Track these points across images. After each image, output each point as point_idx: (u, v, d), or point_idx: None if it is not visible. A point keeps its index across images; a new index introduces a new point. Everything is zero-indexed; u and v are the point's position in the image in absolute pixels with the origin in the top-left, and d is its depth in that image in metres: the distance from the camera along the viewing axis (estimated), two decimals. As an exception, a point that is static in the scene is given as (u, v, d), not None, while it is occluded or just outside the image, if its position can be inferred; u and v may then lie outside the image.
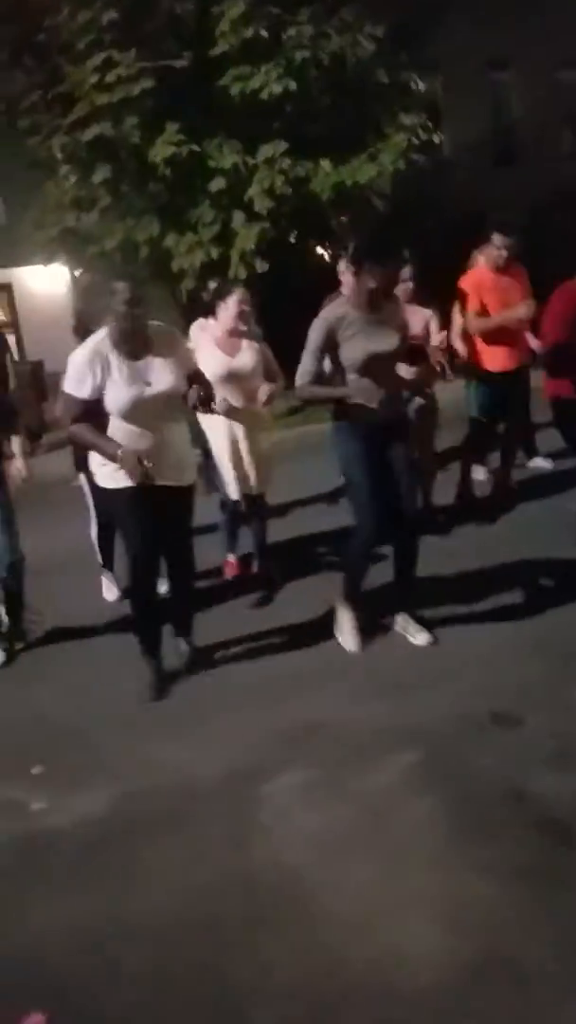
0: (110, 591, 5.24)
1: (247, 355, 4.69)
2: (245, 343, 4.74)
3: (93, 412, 3.70)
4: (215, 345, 4.69)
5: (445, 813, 2.93)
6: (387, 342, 3.87)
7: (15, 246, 12.22)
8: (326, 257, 8.43)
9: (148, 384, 3.68)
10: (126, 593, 4.12)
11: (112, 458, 3.65)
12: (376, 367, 3.84)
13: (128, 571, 4.02)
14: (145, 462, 3.59)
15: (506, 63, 17.28)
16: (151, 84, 9.55)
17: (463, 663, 3.88)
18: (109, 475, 3.80)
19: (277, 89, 9.63)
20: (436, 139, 10.34)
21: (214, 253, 10.23)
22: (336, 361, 3.89)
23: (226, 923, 2.59)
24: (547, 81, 17.90)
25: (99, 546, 5.26)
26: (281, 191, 9.71)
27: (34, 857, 3.02)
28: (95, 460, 3.92)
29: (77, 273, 12.60)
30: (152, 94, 9.65)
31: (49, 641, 4.78)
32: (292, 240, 10.51)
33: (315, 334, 3.87)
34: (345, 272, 5.42)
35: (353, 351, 3.83)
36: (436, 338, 5.26)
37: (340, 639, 4.21)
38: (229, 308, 4.70)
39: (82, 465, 4.94)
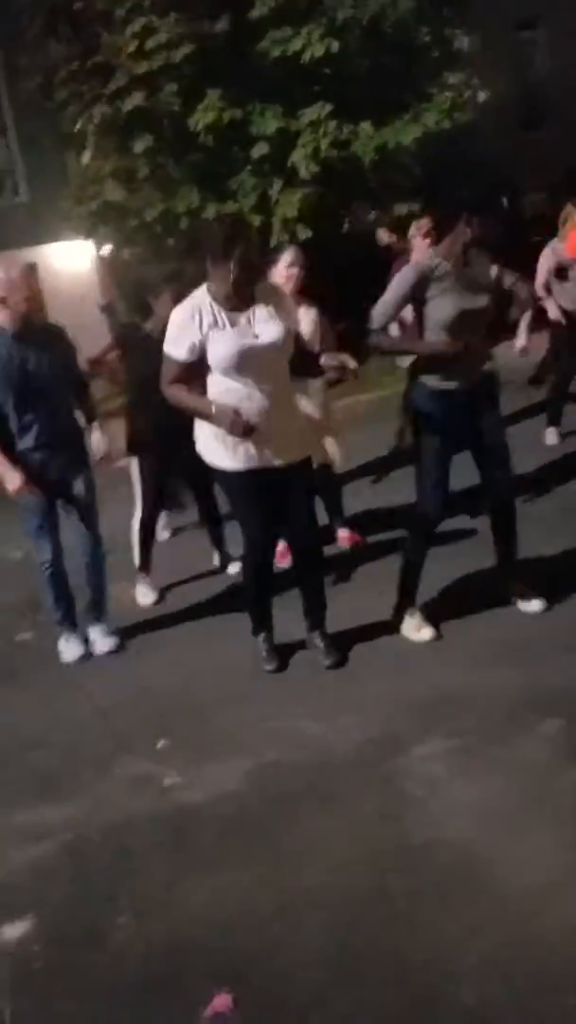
0: (146, 596, 4.86)
1: (304, 322, 4.48)
2: (302, 309, 4.55)
3: (191, 377, 3.52)
4: None
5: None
6: (479, 300, 3.68)
7: (38, 224, 12.08)
8: (384, 236, 8.13)
9: (256, 336, 3.45)
10: (245, 572, 3.90)
11: (207, 417, 3.47)
12: (466, 326, 3.63)
13: (243, 554, 3.86)
14: (246, 419, 3.40)
15: (535, 23, 16.93)
16: (190, 50, 9.34)
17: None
18: (219, 453, 3.59)
19: (319, 51, 9.39)
20: (481, 96, 10.08)
21: (256, 221, 10.05)
22: (420, 315, 3.70)
23: (396, 900, 2.49)
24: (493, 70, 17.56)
25: (139, 541, 4.91)
26: (327, 154, 9.50)
27: (178, 834, 2.93)
28: (203, 436, 3.66)
29: (103, 251, 12.46)
30: (191, 60, 9.44)
31: (134, 620, 4.68)
32: (338, 208, 10.28)
33: (404, 281, 3.65)
34: (417, 235, 5.26)
35: (444, 308, 3.62)
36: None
37: (405, 633, 3.97)
38: (279, 271, 4.52)
39: (135, 448, 4.81)
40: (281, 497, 3.66)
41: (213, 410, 3.44)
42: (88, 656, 4.33)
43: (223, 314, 3.46)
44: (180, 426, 3.79)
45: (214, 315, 3.46)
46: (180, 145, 9.99)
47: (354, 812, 2.88)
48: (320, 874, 2.64)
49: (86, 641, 4.38)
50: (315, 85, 9.82)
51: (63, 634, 4.40)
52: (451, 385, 3.70)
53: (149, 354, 4.29)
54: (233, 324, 3.46)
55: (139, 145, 9.74)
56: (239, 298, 3.46)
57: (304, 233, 9.98)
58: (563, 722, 3.15)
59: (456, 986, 2.18)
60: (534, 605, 3.98)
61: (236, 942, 2.44)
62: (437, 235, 4.77)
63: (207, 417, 3.49)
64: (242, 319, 3.48)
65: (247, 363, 3.46)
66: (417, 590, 4.00)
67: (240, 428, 3.40)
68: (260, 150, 9.75)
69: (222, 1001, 2.24)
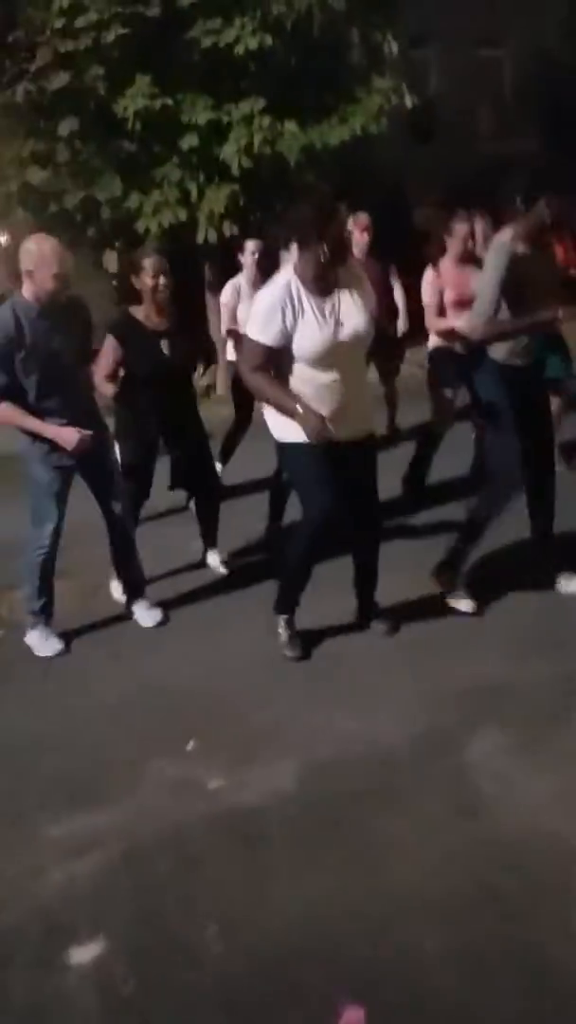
0: (118, 589, 4.55)
1: None
2: None
3: (272, 361, 3.45)
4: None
5: None
6: (552, 278, 3.73)
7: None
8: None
9: (340, 324, 3.40)
10: (299, 547, 3.70)
11: (291, 414, 3.39)
12: (538, 305, 3.63)
13: (301, 531, 3.68)
14: (327, 423, 3.37)
15: (426, 40, 17.41)
16: (121, 32, 9.02)
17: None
18: (284, 427, 3.51)
19: (252, 44, 9.25)
20: (409, 103, 10.18)
21: (182, 215, 9.81)
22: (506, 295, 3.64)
23: (510, 898, 2.39)
24: (467, 59, 18.12)
25: None
26: (260, 151, 9.36)
27: (243, 838, 2.74)
28: (268, 410, 3.60)
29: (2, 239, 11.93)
30: (121, 43, 9.11)
31: (119, 614, 4.42)
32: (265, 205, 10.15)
33: (499, 262, 3.60)
34: (354, 231, 5.24)
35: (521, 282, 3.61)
36: None
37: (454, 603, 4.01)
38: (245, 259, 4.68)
39: (120, 437, 4.55)
40: (348, 472, 3.59)
41: (299, 409, 3.37)
42: (66, 651, 4.06)
43: (311, 300, 3.39)
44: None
45: (302, 301, 3.38)
46: (104, 131, 9.63)
47: (425, 810, 2.77)
48: (417, 874, 2.51)
49: (62, 636, 4.13)
50: (245, 79, 9.67)
51: (38, 627, 4.10)
52: (523, 361, 3.75)
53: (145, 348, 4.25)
54: (319, 312, 3.39)
55: (64, 127, 9.32)
56: (327, 282, 3.40)
57: (231, 230, 9.82)
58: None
59: (601, 983, 2.11)
60: (574, 586, 3.98)
61: (351, 950, 2.28)
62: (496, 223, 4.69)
63: (290, 414, 3.40)
64: (327, 306, 3.41)
65: (332, 354, 3.41)
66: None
67: (321, 436, 3.37)
68: (190, 141, 9.51)
69: (355, 1015, 2.08)
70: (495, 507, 3.91)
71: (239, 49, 9.30)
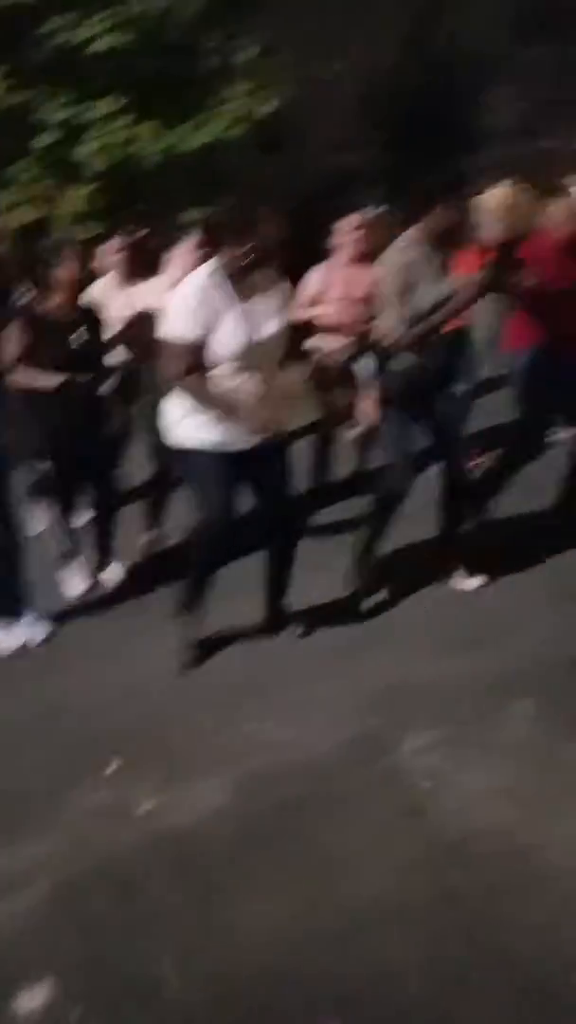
0: (82, 582, 4.46)
1: None
2: None
3: (199, 361, 3.37)
4: None
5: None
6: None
7: None
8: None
9: (259, 325, 3.39)
10: (201, 551, 3.64)
11: (236, 412, 3.37)
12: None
13: (199, 535, 3.60)
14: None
15: (271, 51, 17.61)
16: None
17: (522, 613, 3.85)
18: (195, 431, 3.45)
19: (108, 44, 9.05)
20: (268, 108, 10.20)
21: (35, 215, 9.46)
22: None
23: (468, 898, 2.37)
24: (308, 72, 18.47)
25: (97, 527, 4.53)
26: (120, 151, 9.15)
27: (183, 861, 2.61)
28: (173, 411, 3.52)
29: None
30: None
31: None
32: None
33: (398, 265, 3.67)
34: (348, 232, 5.15)
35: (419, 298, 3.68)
36: None
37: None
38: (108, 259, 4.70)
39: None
40: (258, 474, 3.56)
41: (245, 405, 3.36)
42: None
43: (232, 299, 3.35)
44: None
45: (222, 299, 3.33)
46: (-48, 125, 9.17)
47: (369, 814, 2.73)
48: (371, 883, 2.47)
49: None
50: (101, 78, 9.44)
51: None
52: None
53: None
54: (240, 311, 3.35)
55: None
56: (248, 283, 3.37)
57: (90, 231, 9.55)
58: (533, 700, 3.20)
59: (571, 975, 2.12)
60: (473, 583, 4.05)
61: (317, 968, 2.21)
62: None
63: (235, 412, 3.38)
64: (247, 306, 3.38)
65: (251, 354, 3.37)
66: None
67: (267, 428, 3.44)
68: (45, 139, 9.19)
69: (336, 1034, 2.01)
70: (390, 502, 3.94)
71: (98, 47, 9.08)
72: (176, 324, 3.37)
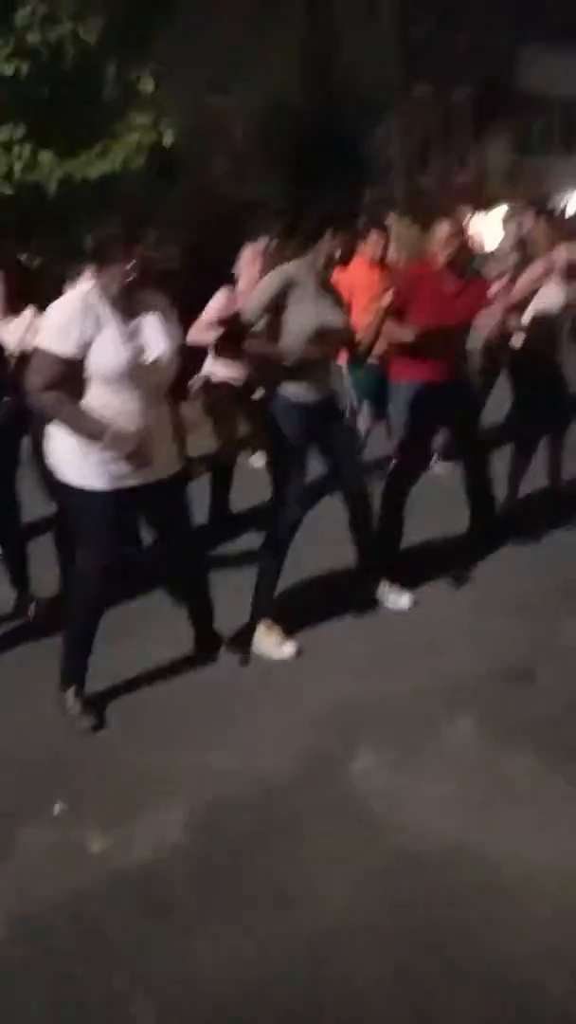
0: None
1: None
2: None
3: (68, 379, 3.18)
4: None
5: (549, 758, 2.99)
6: (336, 314, 3.80)
7: None
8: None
9: (143, 347, 3.23)
10: (80, 604, 3.47)
11: (97, 436, 3.17)
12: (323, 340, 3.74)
13: (81, 587, 3.45)
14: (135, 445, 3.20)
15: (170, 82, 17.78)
16: None
17: (453, 628, 3.94)
18: (79, 469, 3.27)
19: (7, 71, 8.96)
20: (168, 140, 10.24)
21: None
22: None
23: (429, 907, 2.43)
24: (197, 104, 18.68)
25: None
26: (20, 179, 9.05)
27: (143, 899, 2.56)
28: (60, 448, 3.32)
29: None
30: None
31: None
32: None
33: (268, 285, 3.70)
34: (255, 259, 5.18)
35: (304, 317, 3.67)
36: None
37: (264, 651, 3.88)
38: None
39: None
40: (156, 512, 3.50)
41: (110, 431, 3.17)
42: None
43: (112, 317, 3.20)
44: None
45: (102, 316, 3.18)
46: None
47: (324, 837, 2.75)
48: (334, 903, 2.48)
49: None
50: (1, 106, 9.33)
51: None
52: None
53: None
54: (121, 330, 3.20)
55: None
56: (130, 302, 3.24)
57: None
58: (474, 712, 3.29)
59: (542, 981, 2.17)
60: (404, 601, 4.11)
61: (293, 993, 2.20)
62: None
63: (96, 438, 3.18)
64: (129, 326, 3.24)
65: (133, 377, 3.22)
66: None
67: (137, 459, 3.21)
68: None
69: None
70: (281, 538, 3.89)
71: None
72: (46, 337, 3.18)
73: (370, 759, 3.08)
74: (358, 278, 5.39)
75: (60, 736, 3.39)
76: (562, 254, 4.94)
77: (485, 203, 20.89)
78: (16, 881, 2.66)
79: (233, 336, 3.79)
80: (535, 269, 5.02)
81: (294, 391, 3.77)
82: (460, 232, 4.42)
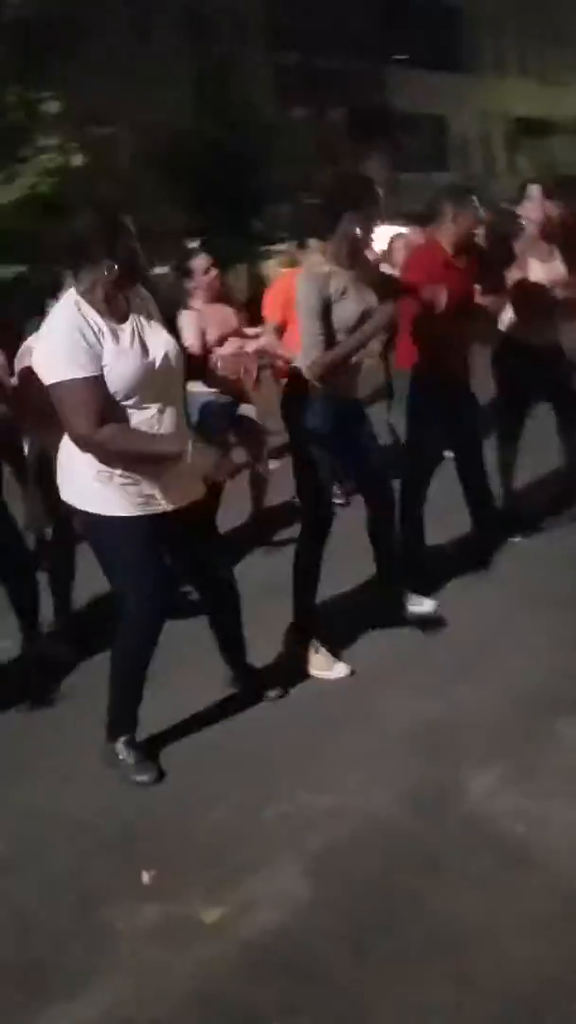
0: None
1: None
2: None
3: (111, 404, 2.81)
4: None
5: None
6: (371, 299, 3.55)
7: None
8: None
9: (147, 350, 2.88)
10: (127, 651, 3.06)
11: (178, 454, 2.84)
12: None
13: (127, 631, 3.03)
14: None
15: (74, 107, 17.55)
16: None
17: (500, 631, 3.70)
18: (103, 498, 2.88)
19: None
20: (77, 161, 9.84)
21: None
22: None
23: None
24: (90, 134, 18.39)
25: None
26: None
27: (287, 973, 2.19)
28: (79, 479, 2.91)
29: None
30: None
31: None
32: None
33: (308, 293, 3.40)
34: (203, 273, 4.85)
35: (345, 311, 3.43)
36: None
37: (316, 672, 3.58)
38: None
39: None
40: (186, 543, 3.12)
41: (188, 448, 2.85)
42: None
43: (107, 324, 2.83)
44: None
45: (97, 324, 2.81)
46: None
47: (473, 872, 2.44)
48: (518, 952, 2.17)
49: None
50: None
51: None
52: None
53: None
54: (119, 337, 2.84)
55: None
56: (118, 304, 2.88)
57: None
58: (569, 719, 3.05)
59: None
60: (428, 606, 3.84)
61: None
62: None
63: (176, 458, 2.86)
64: (127, 330, 2.87)
65: (148, 386, 2.86)
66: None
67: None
68: None
69: None
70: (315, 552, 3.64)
71: None
72: (59, 369, 2.76)
73: (487, 778, 2.79)
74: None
75: (118, 796, 2.98)
76: None
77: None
78: (132, 974, 2.25)
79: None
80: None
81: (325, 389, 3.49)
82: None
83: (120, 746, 3.09)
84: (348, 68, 26.48)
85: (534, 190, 4.82)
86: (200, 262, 4.80)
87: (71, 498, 3.00)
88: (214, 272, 4.86)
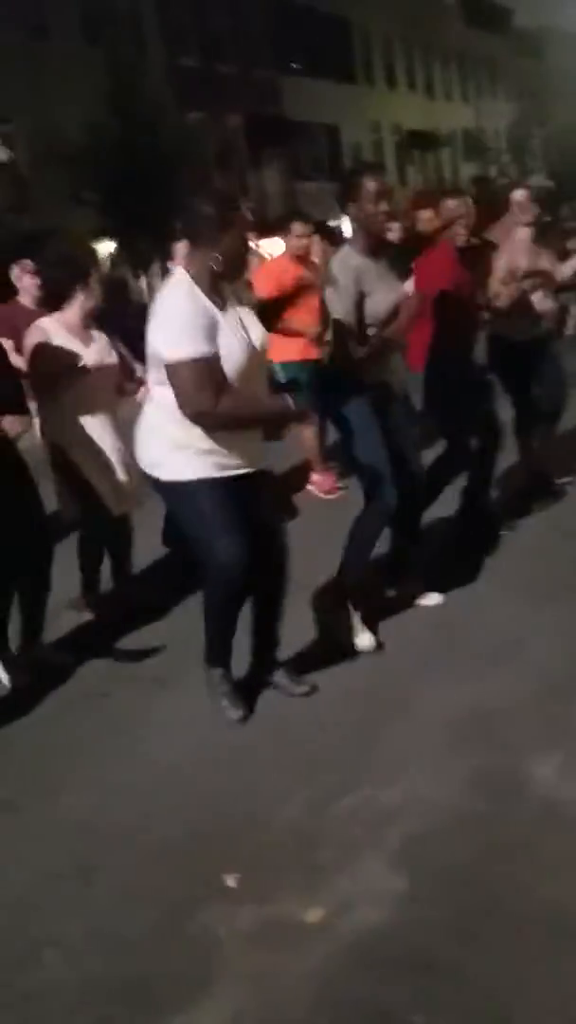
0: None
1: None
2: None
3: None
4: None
5: None
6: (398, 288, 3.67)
7: None
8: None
9: (248, 332, 3.03)
10: (216, 599, 3.21)
11: (288, 418, 3.15)
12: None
13: (214, 584, 3.16)
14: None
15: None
16: None
17: (524, 616, 3.76)
18: (185, 463, 3.05)
19: None
20: (3, 155, 9.48)
21: None
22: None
23: None
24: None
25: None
26: None
27: (404, 967, 2.15)
28: (160, 447, 3.07)
29: None
30: None
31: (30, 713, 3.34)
32: None
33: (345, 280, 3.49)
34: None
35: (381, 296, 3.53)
36: None
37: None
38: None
39: None
40: (247, 508, 3.17)
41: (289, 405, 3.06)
42: None
43: (214, 305, 2.96)
44: None
45: (207, 306, 2.95)
46: None
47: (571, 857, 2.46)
48: None
49: None
50: None
51: None
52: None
53: None
54: (226, 322, 2.99)
55: None
56: (220, 293, 3.02)
57: None
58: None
59: None
60: (435, 598, 3.92)
61: None
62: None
63: (282, 418, 3.17)
64: (229, 314, 3.00)
65: (250, 366, 3.02)
66: None
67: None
68: None
69: None
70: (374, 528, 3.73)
71: None
72: (181, 347, 2.90)
73: (548, 766, 2.81)
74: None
75: (177, 798, 2.88)
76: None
77: (268, 229, 21.40)
78: (248, 980, 2.17)
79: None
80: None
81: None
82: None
83: (216, 675, 3.27)
84: (244, 74, 26.56)
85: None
86: (183, 245, 4.77)
87: (154, 470, 3.14)
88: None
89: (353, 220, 3.59)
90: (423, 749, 2.98)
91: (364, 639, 3.65)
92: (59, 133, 16.76)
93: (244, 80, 26.60)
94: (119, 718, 3.42)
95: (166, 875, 2.56)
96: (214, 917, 2.38)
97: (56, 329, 3.93)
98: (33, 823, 2.87)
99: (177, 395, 2.94)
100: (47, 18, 19.79)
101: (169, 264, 4.86)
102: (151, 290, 13.85)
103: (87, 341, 3.96)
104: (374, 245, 3.57)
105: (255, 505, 3.20)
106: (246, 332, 3.04)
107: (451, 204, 4.35)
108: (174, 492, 3.15)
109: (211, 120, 25.13)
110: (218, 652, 3.27)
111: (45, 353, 3.85)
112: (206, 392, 2.90)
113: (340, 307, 3.47)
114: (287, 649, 3.53)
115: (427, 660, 3.56)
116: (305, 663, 3.56)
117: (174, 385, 2.93)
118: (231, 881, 2.50)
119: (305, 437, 5.67)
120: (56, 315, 3.99)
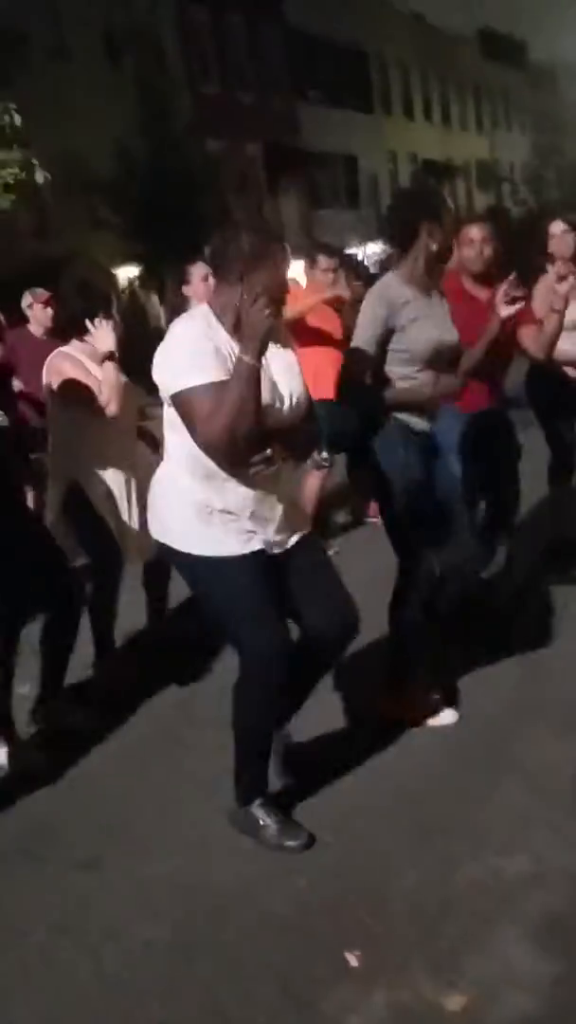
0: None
1: None
2: None
3: None
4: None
5: None
6: (450, 329, 3.24)
7: None
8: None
9: (278, 386, 2.71)
10: (252, 707, 2.70)
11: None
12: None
13: (249, 681, 2.66)
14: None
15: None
16: None
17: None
18: (210, 536, 2.59)
19: None
20: (40, 178, 9.40)
21: None
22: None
23: None
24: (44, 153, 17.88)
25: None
26: None
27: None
28: (181, 516, 2.62)
29: None
30: None
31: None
32: None
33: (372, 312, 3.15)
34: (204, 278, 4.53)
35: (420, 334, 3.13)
36: None
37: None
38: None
39: None
40: (293, 582, 2.72)
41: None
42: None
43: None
44: None
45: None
46: None
47: None
48: None
49: None
50: None
51: None
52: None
53: None
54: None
55: None
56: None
57: None
58: None
59: None
60: (448, 716, 3.33)
61: None
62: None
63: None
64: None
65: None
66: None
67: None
68: None
69: None
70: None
71: None
72: (192, 373, 2.47)
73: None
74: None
75: (276, 866, 2.65)
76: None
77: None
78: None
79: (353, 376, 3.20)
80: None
81: (407, 417, 3.17)
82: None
83: (257, 810, 2.76)
84: (263, 103, 26.69)
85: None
86: (198, 269, 4.53)
87: (168, 539, 2.69)
88: (212, 280, 4.60)
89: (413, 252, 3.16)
90: (540, 811, 2.75)
91: (446, 715, 3.31)
92: (81, 156, 16.77)
93: (263, 109, 26.73)
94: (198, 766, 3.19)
95: (275, 952, 2.33)
96: (343, 1001, 2.16)
97: (80, 357, 3.75)
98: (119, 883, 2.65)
99: (189, 426, 2.50)
100: (67, 39, 19.75)
101: (184, 288, 4.50)
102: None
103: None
104: (428, 275, 3.18)
105: (308, 572, 2.73)
106: (276, 386, 2.61)
107: (474, 231, 3.98)
108: (195, 568, 2.67)
109: (230, 148, 25.18)
110: (253, 781, 2.77)
111: (70, 382, 3.68)
112: (221, 412, 2.43)
113: (359, 335, 3.15)
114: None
115: (519, 713, 3.32)
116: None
117: (184, 416, 2.51)
118: (353, 960, 2.28)
119: None
120: (77, 343, 3.80)
